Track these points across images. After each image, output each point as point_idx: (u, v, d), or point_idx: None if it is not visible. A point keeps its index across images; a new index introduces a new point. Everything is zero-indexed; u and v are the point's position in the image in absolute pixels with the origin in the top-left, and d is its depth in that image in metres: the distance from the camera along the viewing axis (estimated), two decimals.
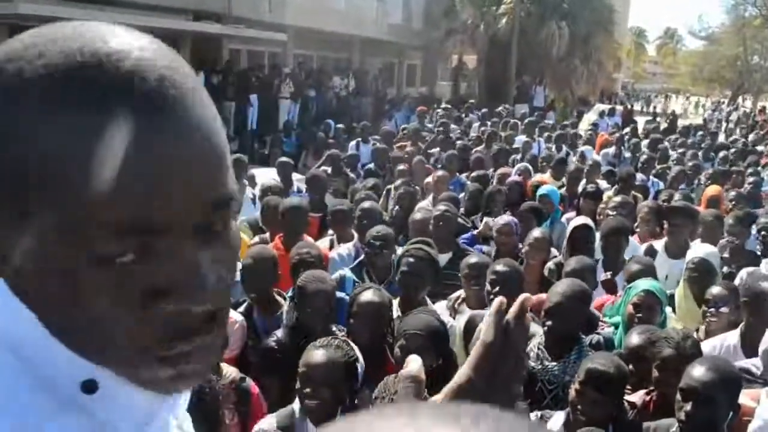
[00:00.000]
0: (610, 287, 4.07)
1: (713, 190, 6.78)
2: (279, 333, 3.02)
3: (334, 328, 2.99)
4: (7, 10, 10.16)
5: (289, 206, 4.39)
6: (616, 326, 3.31)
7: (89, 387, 0.55)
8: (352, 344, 2.56)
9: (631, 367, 2.71)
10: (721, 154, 10.40)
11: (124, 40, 0.53)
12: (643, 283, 3.27)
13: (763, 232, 4.90)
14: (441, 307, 3.62)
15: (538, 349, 2.95)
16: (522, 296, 0.83)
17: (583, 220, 4.71)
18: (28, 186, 0.50)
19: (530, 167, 7.87)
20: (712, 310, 3.31)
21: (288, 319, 3.11)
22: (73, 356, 0.56)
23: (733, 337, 3.17)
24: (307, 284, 2.98)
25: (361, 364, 2.47)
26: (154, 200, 0.51)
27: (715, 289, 3.37)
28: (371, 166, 7.92)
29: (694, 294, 3.75)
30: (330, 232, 4.96)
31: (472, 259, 3.73)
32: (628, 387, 2.68)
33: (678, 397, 2.25)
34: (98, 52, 0.51)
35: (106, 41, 0.52)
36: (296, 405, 2.39)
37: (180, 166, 0.52)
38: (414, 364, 0.81)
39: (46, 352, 0.55)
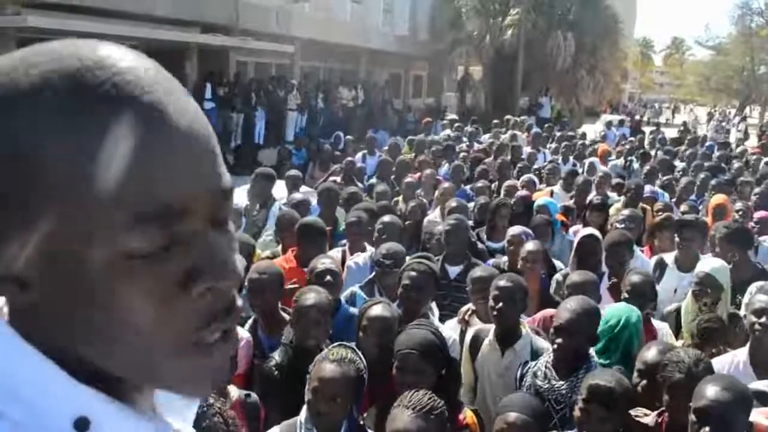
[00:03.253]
0: (616, 295, 4.04)
1: (719, 199, 6.73)
2: (277, 356, 2.98)
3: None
4: (16, 23, 10.26)
5: (304, 223, 4.36)
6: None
7: (81, 425, 0.55)
8: (359, 353, 2.56)
9: (645, 382, 2.68)
10: (735, 164, 10.34)
11: (111, 49, 0.55)
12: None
13: None
14: (451, 325, 3.60)
15: (546, 368, 2.92)
16: None
17: (590, 230, 4.68)
18: (35, 192, 0.50)
19: (535, 179, 7.85)
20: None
21: (286, 337, 3.09)
22: (70, 389, 0.55)
23: (742, 354, 3.13)
24: (301, 297, 2.96)
25: (366, 374, 2.48)
26: (175, 189, 0.52)
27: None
28: (373, 180, 7.90)
29: (700, 308, 3.71)
30: (342, 242, 4.96)
31: (477, 272, 3.71)
32: (641, 410, 2.64)
33: (692, 418, 2.21)
34: (91, 58, 0.53)
35: (95, 50, 0.54)
36: (302, 416, 2.39)
37: (190, 156, 0.54)
38: None
39: (41, 393, 0.55)
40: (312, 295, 2.96)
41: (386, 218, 4.60)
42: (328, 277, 3.41)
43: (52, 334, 0.55)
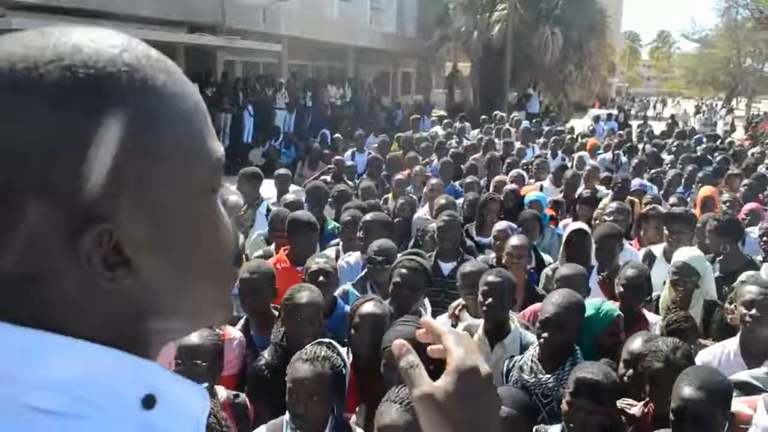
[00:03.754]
0: (607, 289, 4.06)
1: (707, 191, 6.77)
2: (267, 354, 2.97)
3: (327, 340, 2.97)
4: (0, 25, 10.18)
5: (294, 219, 4.31)
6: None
7: (149, 402, 0.57)
8: (338, 347, 2.56)
9: (631, 371, 2.70)
10: (718, 156, 10.40)
11: (111, 40, 0.58)
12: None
13: (765, 238, 4.87)
14: (442, 320, 3.60)
15: (532, 362, 2.93)
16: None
17: (579, 224, 4.69)
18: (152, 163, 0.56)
19: (524, 173, 7.87)
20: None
21: (275, 336, 3.07)
22: (134, 370, 0.57)
23: (732, 343, 3.15)
24: (294, 295, 2.95)
25: (347, 370, 2.47)
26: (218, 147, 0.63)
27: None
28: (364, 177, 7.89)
29: (674, 298, 3.74)
30: (334, 241, 4.93)
31: (466, 268, 3.71)
32: (627, 400, 2.66)
33: (672, 417, 2.23)
34: (84, 52, 0.54)
35: (94, 41, 0.56)
36: (287, 415, 2.39)
37: (199, 127, 0.61)
38: (398, 349, 0.79)
39: (107, 380, 0.56)
40: (305, 294, 2.96)
41: (368, 216, 4.59)
42: (321, 278, 3.40)
43: (141, 306, 0.58)
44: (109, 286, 0.55)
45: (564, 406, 2.42)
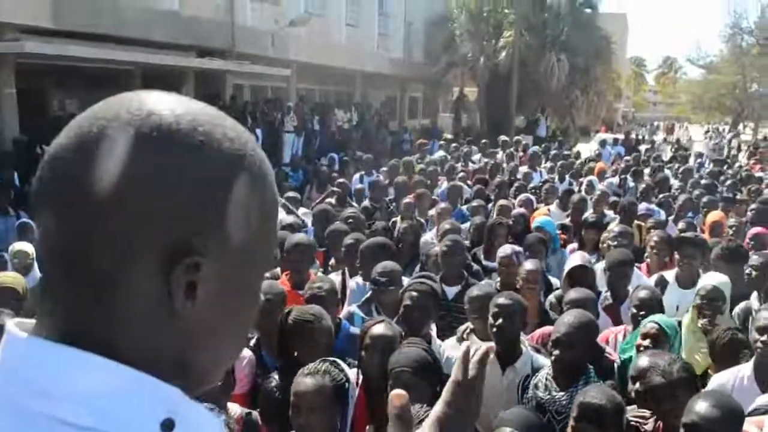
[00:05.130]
0: (613, 314, 4.04)
1: (715, 216, 6.77)
2: (276, 376, 2.98)
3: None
4: (14, 49, 10.34)
5: (293, 243, 4.38)
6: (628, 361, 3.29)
7: (168, 425, 0.59)
8: (343, 365, 2.58)
9: (638, 385, 2.70)
10: (728, 182, 10.41)
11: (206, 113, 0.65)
12: (656, 316, 3.29)
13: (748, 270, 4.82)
14: (451, 343, 3.59)
15: (546, 379, 2.93)
16: (485, 345, 1.00)
17: (579, 259, 4.61)
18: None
19: (532, 198, 7.88)
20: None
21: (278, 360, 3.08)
22: (157, 393, 0.60)
23: (746, 369, 3.14)
24: (307, 320, 2.97)
25: (351, 385, 2.50)
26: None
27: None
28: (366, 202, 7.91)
29: (709, 322, 3.71)
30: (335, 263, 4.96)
31: (474, 291, 3.71)
32: (641, 413, 2.65)
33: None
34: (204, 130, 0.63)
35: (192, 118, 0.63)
36: None
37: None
38: (397, 399, 0.87)
39: (131, 400, 0.58)
40: (324, 323, 2.98)
41: (348, 239, 4.68)
42: (315, 303, 3.42)
43: (182, 341, 0.63)
44: (175, 314, 0.60)
45: (569, 431, 2.42)
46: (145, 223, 0.58)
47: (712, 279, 3.94)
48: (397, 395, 0.87)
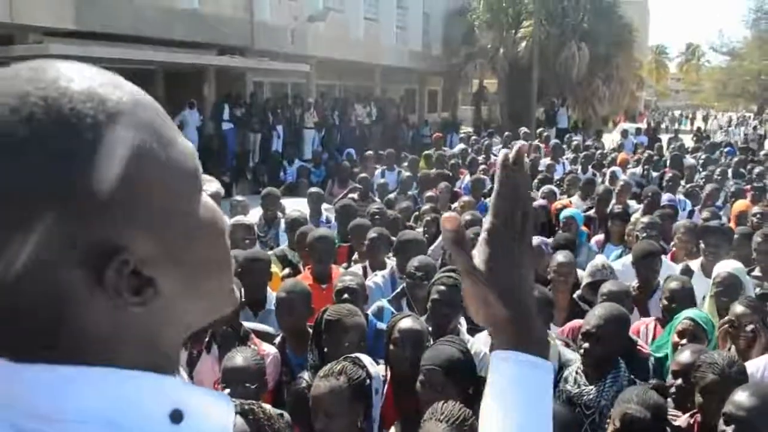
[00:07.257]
0: (640, 307, 4.01)
1: (741, 205, 6.67)
2: (306, 376, 2.96)
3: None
4: (39, 51, 10.48)
5: (316, 236, 4.41)
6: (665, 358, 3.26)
7: (176, 417, 0.59)
8: (365, 361, 2.55)
9: (680, 381, 2.68)
10: (757, 170, 10.25)
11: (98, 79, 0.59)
12: (689, 312, 3.24)
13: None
14: (482, 338, 3.58)
15: (576, 373, 2.91)
16: (518, 144, 0.90)
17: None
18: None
19: (555, 189, 7.82)
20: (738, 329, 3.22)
21: (311, 358, 3.08)
22: (160, 387, 0.60)
23: None
24: (342, 318, 2.97)
25: (377, 379, 2.48)
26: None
27: (738, 308, 3.28)
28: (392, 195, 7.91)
29: (719, 310, 3.68)
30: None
31: None
32: (673, 413, 2.63)
33: (721, 421, 2.21)
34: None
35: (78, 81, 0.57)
36: None
37: (167, 130, 0.61)
38: (448, 222, 0.80)
39: (135, 402, 0.58)
40: (356, 318, 2.98)
41: (371, 233, 4.67)
42: (345, 295, 3.43)
43: (169, 318, 0.61)
44: (141, 310, 0.57)
45: None
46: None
47: (726, 266, 3.89)
48: (447, 218, 0.80)
